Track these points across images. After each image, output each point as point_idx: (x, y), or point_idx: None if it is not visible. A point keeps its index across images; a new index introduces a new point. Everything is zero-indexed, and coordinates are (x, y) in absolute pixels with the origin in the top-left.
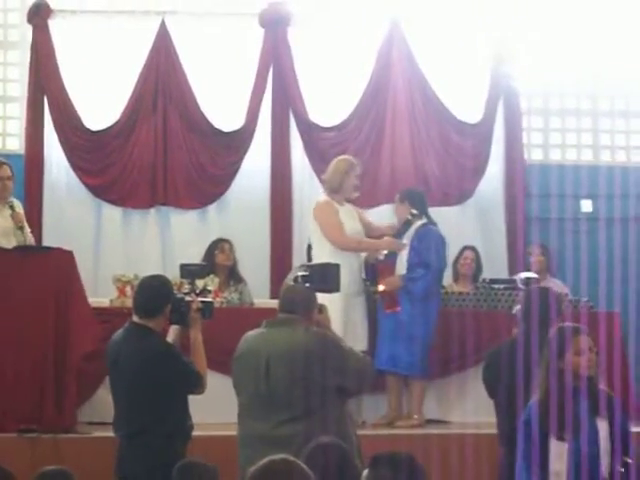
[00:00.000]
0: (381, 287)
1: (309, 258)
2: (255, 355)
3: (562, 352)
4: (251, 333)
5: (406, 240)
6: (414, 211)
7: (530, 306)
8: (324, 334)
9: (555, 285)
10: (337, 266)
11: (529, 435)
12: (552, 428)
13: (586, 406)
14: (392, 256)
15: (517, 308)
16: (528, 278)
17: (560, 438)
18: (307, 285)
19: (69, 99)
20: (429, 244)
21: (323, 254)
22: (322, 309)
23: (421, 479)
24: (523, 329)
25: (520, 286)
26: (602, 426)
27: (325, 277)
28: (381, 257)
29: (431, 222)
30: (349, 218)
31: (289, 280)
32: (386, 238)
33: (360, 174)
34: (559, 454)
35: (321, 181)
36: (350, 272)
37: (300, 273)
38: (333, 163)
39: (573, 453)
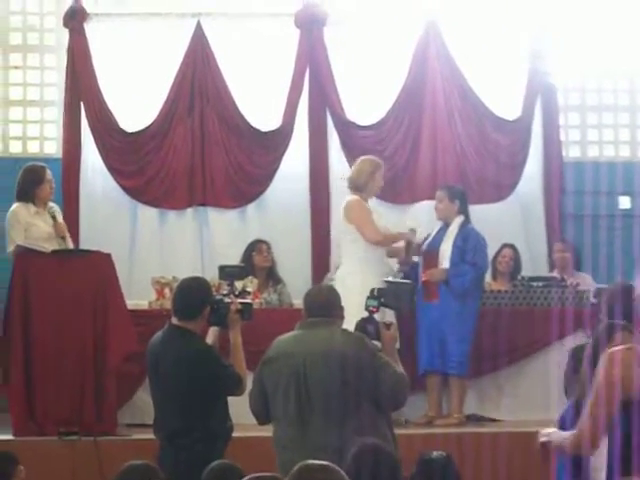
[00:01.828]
0: (423, 277)
1: None
2: (291, 358)
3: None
4: (283, 336)
5: (450, 236)
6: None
7: (614, 305)
8: (362, 339)
9: (583, 280)
10: (410, 286)
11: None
12: None
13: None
14: (435, 247)
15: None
16: (599, 289)
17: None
18: (382, 300)
19: (105, 102)
20: (475, 244)
21: (355, 255)
22: (390, 326)
23: None
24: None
25: (593, 299)
26: None
27: (398, 296)
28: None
29: (469, 221)
30: (377, 216)
31: (327, 280)
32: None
33: (384, 174)
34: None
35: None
36: (381, 273)
37: (377, 286)
38: (358, 163)
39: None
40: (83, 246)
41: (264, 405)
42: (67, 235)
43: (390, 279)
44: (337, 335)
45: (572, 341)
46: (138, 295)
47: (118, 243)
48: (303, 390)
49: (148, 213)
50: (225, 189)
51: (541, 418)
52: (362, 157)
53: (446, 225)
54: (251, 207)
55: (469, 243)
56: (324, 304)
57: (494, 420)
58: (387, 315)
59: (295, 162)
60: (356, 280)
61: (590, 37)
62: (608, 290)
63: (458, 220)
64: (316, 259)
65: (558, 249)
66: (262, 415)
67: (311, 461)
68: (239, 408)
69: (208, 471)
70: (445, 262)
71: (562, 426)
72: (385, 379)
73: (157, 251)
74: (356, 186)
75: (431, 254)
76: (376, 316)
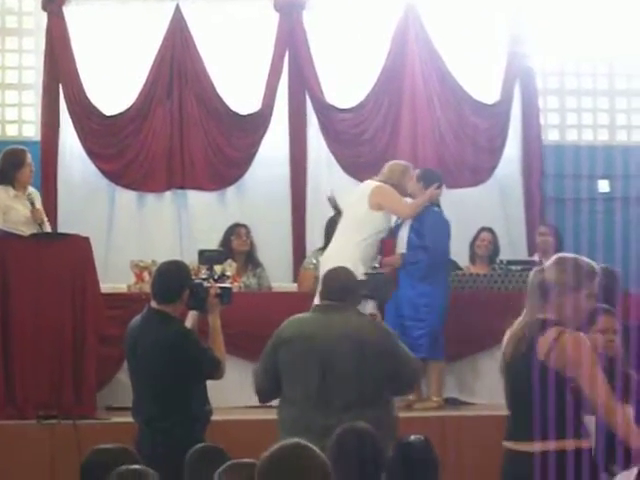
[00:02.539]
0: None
1: (330, 233)
2: (312, 340)
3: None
4: (300, 317)
5: (408, 221)
6: (332, 195)
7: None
8: (381, 324)
9: None
10: (388, 276)
11: None
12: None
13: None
14: (394, 234)
15: None
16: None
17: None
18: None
19: (84, 85)
20: (431, 227)
21: (355, 240)
22: (374, 318)
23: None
24: None
25: None
26: (628, 410)
27: (377, 287)
28: None
29: (437, 205)
30: None
31: (307, 265)
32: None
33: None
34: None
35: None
36: (370, 262)
37: (360, 277)
38: (387, 166)
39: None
40: (61, 229)
41: (271, 383)
42: (45, 220)
43: (368, 271)
44: (357, 320)
45: None
46: (116, 278)
47: (96, 226)
48: (327, 374)
49: (126, 196)
50: (204, 172)
51: None
52: (389, 162)
53: None
54: (231, 190)
55: (425, 226)
56: (341, 288)
57: (472, 404)
58: (369, 307)
59: (275, 145)
60: (347, 263)
61: (569, 21)
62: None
63: None
64: (296, 243)
65: (541, 232)
66: (267, 393)
67: (286, 440)
68: (218, 391)
69: (192, 453)
70: (403, 245)
71: None
72: (406, 364)
73: (135, 234)
74: (390, 184)
75: (387, 240)
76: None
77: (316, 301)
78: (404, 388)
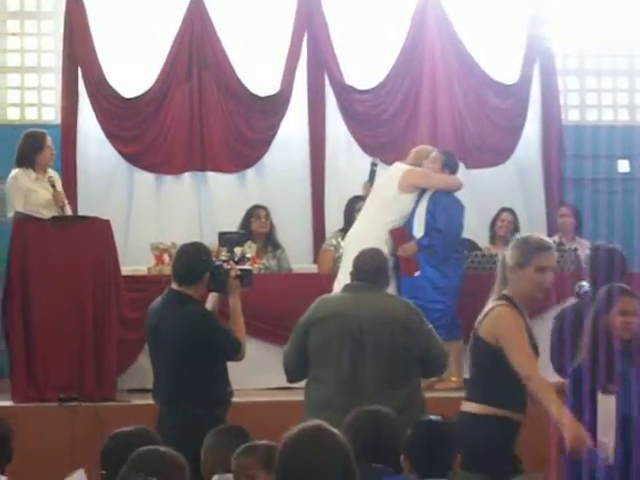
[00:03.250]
0: (398, 253)
1: (350, 214)
2: (345, 319)
3: (608, 310)
4: (332, 297)
5: (425, 200)
6: (376, 160)
7: (597, 268)
8: (410, 304)
9: (582, 246)
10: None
11: (578, 392)
12: (599, 382)
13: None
14: (407, 221)
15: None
16: (596, 246)
17: (607, 391)
18: None
19: (102, 68)
20: (444, 208)
21: (378, 220)
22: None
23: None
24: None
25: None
26: None
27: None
28: None
29: None
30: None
31: (327, 247)
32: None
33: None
34: (606, 408)
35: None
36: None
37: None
38: (413, 151)
39: (621, 407)
40: (81, 212)
41: (300, 363)
42: (66, 203)
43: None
44: (389, 300)
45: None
46: (136, 261)
47: (116, 209)
48: (360, 353)
49: (146, 178)
50: (223, 154)
51: None
52: (417, 147)
53: (423, 190)
54: (250, 172)
55: (438, 207)
56: (374, 270)
57: None
58: (389, 289)
59: (294, 127)
60: (373, 244)
61: (588, 1)
62: (601, 253)
63: None
64: (316, 224)
65: (562, 213)
66: (296, 373)
67: (307, 422)
68: (238, 373)
69: (216, 432)
70: (420, 227)
71: (577, 388)
72: (436, 346)
73: (155, 217)
74: (418, 166)
75: (399, 229)
76: None
77: (343, 282)
78: (437, 370)
